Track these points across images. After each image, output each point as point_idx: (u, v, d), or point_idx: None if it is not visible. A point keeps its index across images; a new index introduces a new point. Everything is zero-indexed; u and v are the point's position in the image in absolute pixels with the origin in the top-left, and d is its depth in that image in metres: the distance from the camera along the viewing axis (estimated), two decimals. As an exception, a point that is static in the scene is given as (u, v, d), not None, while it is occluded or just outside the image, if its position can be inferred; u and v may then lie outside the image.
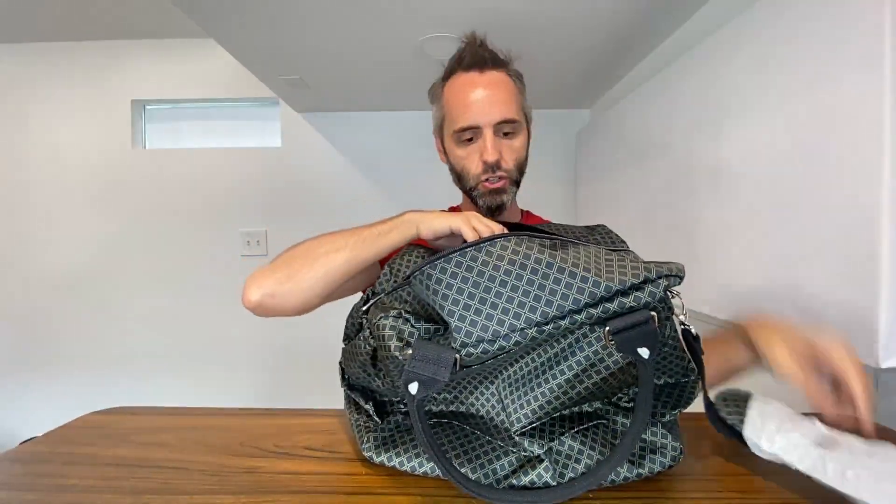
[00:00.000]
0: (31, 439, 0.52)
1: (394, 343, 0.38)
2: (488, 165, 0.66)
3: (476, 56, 0.66)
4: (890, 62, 0.54)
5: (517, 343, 0.34)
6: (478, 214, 0.53)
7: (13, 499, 0.38)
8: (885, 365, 0.54)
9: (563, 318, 0.34)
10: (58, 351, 1.91)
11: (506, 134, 0.67)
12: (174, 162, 1.89)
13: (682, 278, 0.36)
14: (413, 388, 0.35)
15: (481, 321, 0.34)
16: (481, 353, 0.34)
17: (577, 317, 0.34)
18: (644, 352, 0.34)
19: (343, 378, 0.50)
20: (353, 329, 0.48)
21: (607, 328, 0.34)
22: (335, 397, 0.53)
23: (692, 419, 0.54)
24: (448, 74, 0.69)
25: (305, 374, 1.85)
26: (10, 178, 1.89)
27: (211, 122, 1.97)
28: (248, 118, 1.97)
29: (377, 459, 0.42)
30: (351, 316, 0.49)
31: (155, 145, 1.97)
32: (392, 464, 0.41)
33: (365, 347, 0.42)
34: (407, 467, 0.40)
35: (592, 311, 0.34)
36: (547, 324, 0.34)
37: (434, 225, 0.52)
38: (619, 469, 0.37)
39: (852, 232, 0.58)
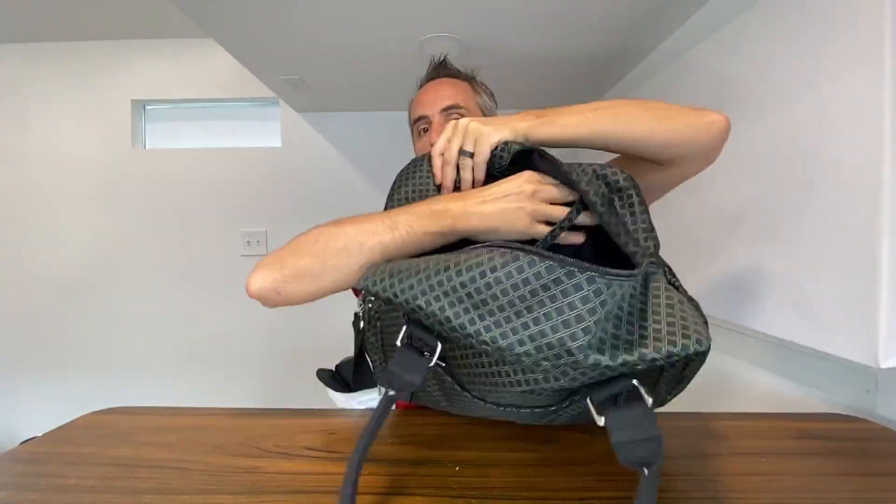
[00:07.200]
0: (31, 439, 0.52)
1: None
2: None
3: (434, 71, 0.81)
4: (890, 62, 0.54)
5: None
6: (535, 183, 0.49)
7: (13, 499, 0.38)
8: (884, 365, 0.54)
9: None
10: (58, 351, 1.91)
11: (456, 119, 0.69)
12: (174, 162, 1.89)
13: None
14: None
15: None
16: None
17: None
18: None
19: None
20: None
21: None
22: (335, 397, 0.53)
23: (692, 419, 0.54)
24: (417, 91, 0.82)
25: (306, 374, 1.83)
26: (10, 178, 1.89)
27: (211, 122, 1.96)
28: (248, 118, 1.97)
29: None
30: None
31: (155, 145, 1.97)
32: None
33: None
34: None
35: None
36: None
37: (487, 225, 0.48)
38: None
39: (852, 232, 0.58)
